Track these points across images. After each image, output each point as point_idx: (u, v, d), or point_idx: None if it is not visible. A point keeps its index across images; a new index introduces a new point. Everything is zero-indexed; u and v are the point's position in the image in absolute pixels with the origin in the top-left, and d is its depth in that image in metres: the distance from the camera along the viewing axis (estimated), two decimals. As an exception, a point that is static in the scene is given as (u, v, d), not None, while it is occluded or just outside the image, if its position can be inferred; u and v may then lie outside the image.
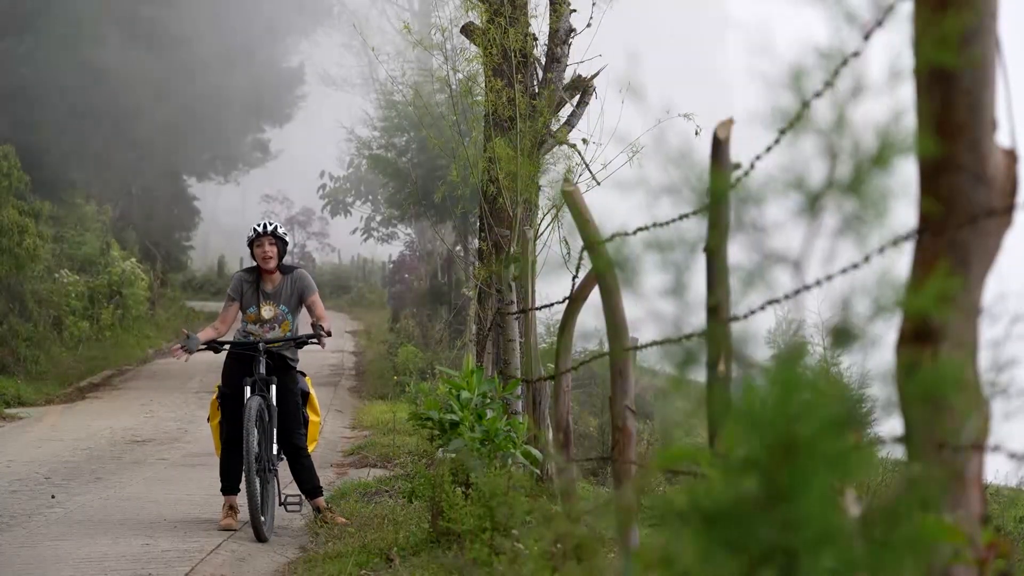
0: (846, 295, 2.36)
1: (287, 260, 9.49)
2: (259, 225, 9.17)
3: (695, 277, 2.61)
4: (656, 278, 2.60)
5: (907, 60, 2.40)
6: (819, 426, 2.13)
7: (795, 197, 2.39)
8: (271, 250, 9.13)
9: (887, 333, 2.37)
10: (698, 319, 2.62)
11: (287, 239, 9.31)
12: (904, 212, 2.38)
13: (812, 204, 2.36)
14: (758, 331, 2.66)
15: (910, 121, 2.34)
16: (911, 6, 2.50)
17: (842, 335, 2.32)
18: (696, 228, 2.68)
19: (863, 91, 2.39)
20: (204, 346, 9.09)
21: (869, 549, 2.17)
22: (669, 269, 2.58)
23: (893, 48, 2.45)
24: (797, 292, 2.59)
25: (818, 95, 2.38)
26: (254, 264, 9.29)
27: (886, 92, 2.36)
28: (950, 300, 2.44)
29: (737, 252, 2.94)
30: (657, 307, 2.60)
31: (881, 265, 2.47)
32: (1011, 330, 2.44)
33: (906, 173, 2.35)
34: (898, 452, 2.52)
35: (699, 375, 2.74)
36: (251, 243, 9.18)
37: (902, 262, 2.49)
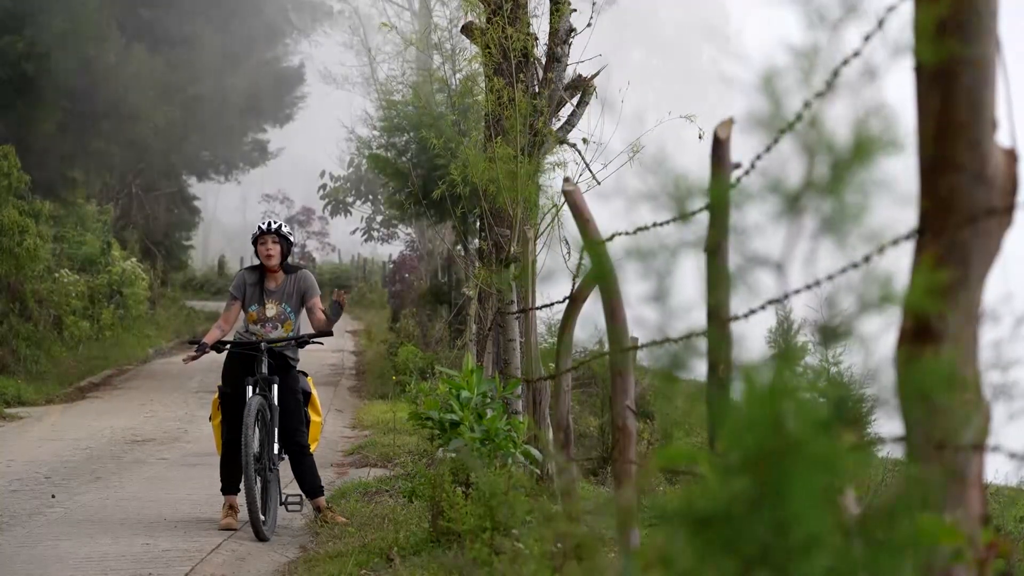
0: (831, 293, 2.35)
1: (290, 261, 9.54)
2: (263, 223, 9.28)
3: (677, 283, 2.61)
4: (638, 285, 2.59)
5: (880, 57, 2.39)
6: (805, 427, 2.12)
7: (773, 199, 2.38)
8: (274, 248, 9.21)
9: (879, 330, 2.36)
10: (682, 324, 2.61)
11: (292, 239, 9.36)
12: (885, 210, 2.37)
13: (792, 204, 2.35)
14: (754, 332, 2.65)
15: (885, 117, 2.34)
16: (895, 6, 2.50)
17: (829, 333, 2.31)
18: (677, 233, 2.67)
19: (836, 89, 2.38)
20: (209, 348, 9.14)
21: (867, 549, 2.16)
22: (650, 275, 2.58)
23: (860, 43, 2.44)
24: (797, 291, 2.59)
25: (820, 95, 2.38)
26: (258, 263, 9.35)
27: (857, 89, 2.36)
28: (941, 295, 2.43)
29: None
30: (640, 313, 2.59)
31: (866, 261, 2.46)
32: (1016, 332, 2.44)
33: (884, 170, 2.34)
34: (898, 452, 2.52)
35: (688, 376, 2.73)
36: (255, 240, 9.28)
37: (888, 258, 2.49)
